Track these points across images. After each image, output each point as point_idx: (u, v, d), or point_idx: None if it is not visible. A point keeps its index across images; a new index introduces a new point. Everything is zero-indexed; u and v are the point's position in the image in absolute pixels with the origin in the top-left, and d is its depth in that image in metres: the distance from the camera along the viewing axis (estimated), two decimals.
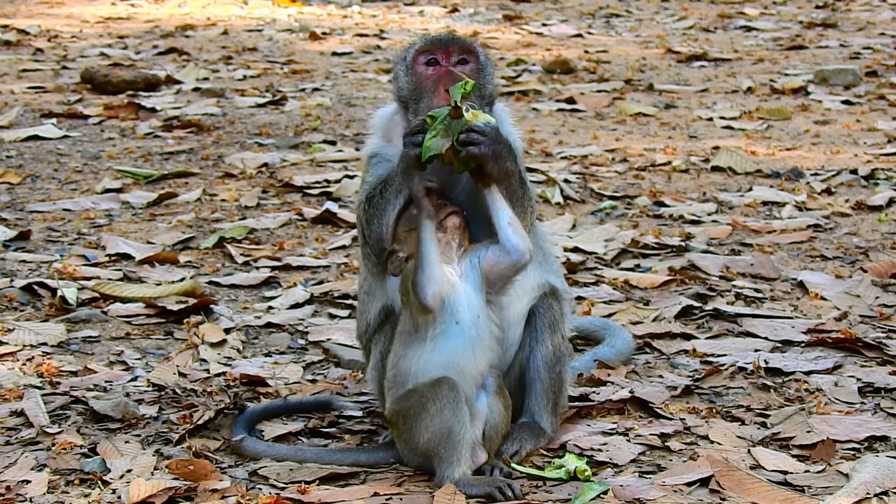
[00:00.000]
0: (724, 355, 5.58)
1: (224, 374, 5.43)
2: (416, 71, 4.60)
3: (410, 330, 4.38)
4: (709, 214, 7.74)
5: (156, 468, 4.47)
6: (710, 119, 10.34)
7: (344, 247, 7.24)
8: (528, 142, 9.43)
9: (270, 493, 4.28)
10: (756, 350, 5.64)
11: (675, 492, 4.27)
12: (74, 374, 5.45)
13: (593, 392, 5.14)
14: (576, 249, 7.08)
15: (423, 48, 4.62)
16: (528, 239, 4.42)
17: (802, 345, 5.70)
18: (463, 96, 4.33)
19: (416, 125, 4.41)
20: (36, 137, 9.69)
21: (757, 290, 6.42)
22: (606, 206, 7.96)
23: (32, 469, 4.49)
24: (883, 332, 5.84)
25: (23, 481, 4.39)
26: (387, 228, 4.47)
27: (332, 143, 9.61)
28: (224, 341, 5.82)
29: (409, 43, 4.73)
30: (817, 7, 16.56)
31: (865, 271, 6.64)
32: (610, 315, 6.10)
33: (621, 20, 15.96)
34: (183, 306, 6.18)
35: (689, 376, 5.36)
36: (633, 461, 4.55)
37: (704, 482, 4.33)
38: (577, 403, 4.99)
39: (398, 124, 4.66)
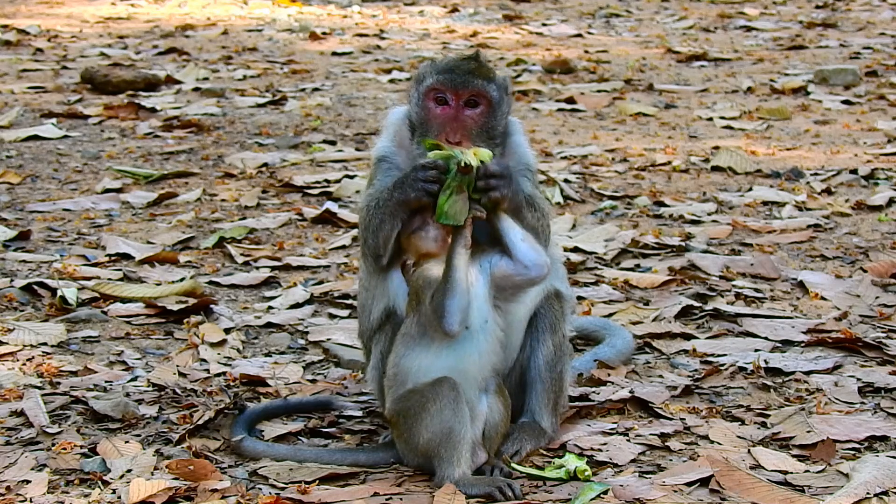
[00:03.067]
0: (724, 355, 5.58)
1: (224, 374, 5.43)
2: (425, 105, 4.56)
3: (415, 334, 4.37)
4: (709, 214, 7.74)
5: (156, 468, 4.47)
6: (710, 119, 10.34)
7: (344, 247, 7.24)
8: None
9: (270, 493, 4.28)
10: (756, 350, 5.64)
11: (675, 492, 4.27)
12: (74, 374, 5.44)
13: (593, 392, 5.14)
14: (576, 249, 7.08)
15: (436, 85, 4.54)
16: (544, 252, 4.40)
17: (802, 345, 5.69)
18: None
19: (429, 169, 4.34)
20: (36, 137, 9.69)
21: (757, 290, 6.42)
22: (606, 206, 7.96)
23: (32, 469, 4.49)
24: (883, 332, 5.84)
25: (23, 481, 4.39)
26: (383, 242, 4.47)
27: (332, 143, 9.61)
28: (224, 341, 5.82)
29: (426, 67, 4.63)
30: (817, 7, 16.56)
31: (865, 271, 6.63)
32: (610, 315, 6.10)
33: (621, 20, 15.96)
34: (183, 306, 6.17)
35: (689, 376, 5.36)
36: (633, 461, 4.55)
37: (704, 482, 4.33)
38: (577, 403, 4.99)
39: (408, 132, 4.64)
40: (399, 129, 4.67)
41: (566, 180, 8.42)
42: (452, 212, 4.28)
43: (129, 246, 7.09)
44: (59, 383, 5.30)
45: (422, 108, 4.56)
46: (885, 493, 4.24)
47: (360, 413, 5.01)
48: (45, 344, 5.77)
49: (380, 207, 4.46)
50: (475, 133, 4.51)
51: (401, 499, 4.27)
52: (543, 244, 4.54)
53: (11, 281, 6.53)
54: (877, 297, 6.29)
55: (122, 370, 5.49)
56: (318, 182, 8.47)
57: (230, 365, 5.56)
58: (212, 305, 6.19)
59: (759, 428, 4.82)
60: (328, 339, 5.84)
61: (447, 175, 4.30)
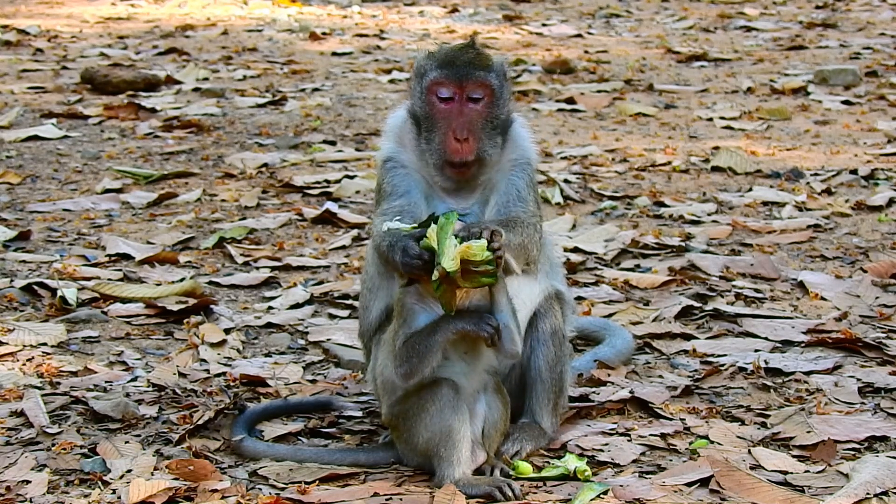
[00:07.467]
0: (724, 355, 5.58)
1: (224, 374, 5.43)
2: (429, 100, 4.57)
3: (394, 346, 4.35)
4: (709, 214, 7.74)
5: (156, 468, 4.47)
6: (710, 119, 10.34)
7: (344, 247, 7.24)
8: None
9: (270, 493, 4.28)
10: (756, 350, 5.64)
11: (675, 492, 4.27)
12: (74, 374, 5.45)
13: (593, 392, 5.14)
14: (576, 249, 7.08)
15: (438, 79, 4.56)
16: (520, 342, 4.37)
17: (802, 345, 5.70)
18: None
19: (413, 257, 4.22)
20: (36, 137, 9.69)
21: (757, 290, 6.42)
22: (606, 206, 7.96)
23: (32, 469, 4.49)
24: (883, 332, 5.84)
25: (23, 481, 4.39)
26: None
27: (332, 143, 9.61)
28: (224, 341, 5.82)
29: (427, 57, 4.64)
30: (817, 7, 16.56)
31: (865, 271, 6.63)
32: (610, 315, 6.10)
33: (621, 20, 15.96)
34: (183, 306, 6.18)
35: (689, 376, 5.36)
36: (633, 461, 4.55)
37: (704, 482, 4.34)
38: (577, 403, 4.99)
39: (410, 130, 4.66)
40: (401, 129, 4.70)
41: (566, 180, 8.42)
42: (443, 301, 4.23)
43: (129, 246, 7.09)
44: (59, 383, 5.30)
45: (425, 103, 4.59)
46: (885, 493, 4.24)
47: (360, 413, 5.01)
48: (45, 344, 5.78)
49: (391, 247, 4.38)
50: (480, 126, 4.53)
51: (401, 499, 4.27)
52: (533, 257, 4.56)
53: (11, 281, 6.53)
54: (877, 298, 6.29)
55: (122, 370, 5.49)
56: (318, 182, 8.47)
57: (230, 365, 5.56)
58: (212, 305, 6.19)
59: (759, 428, 4.82)
60: (328, 340, 5.84)
61: (432, 264, 4.17)
